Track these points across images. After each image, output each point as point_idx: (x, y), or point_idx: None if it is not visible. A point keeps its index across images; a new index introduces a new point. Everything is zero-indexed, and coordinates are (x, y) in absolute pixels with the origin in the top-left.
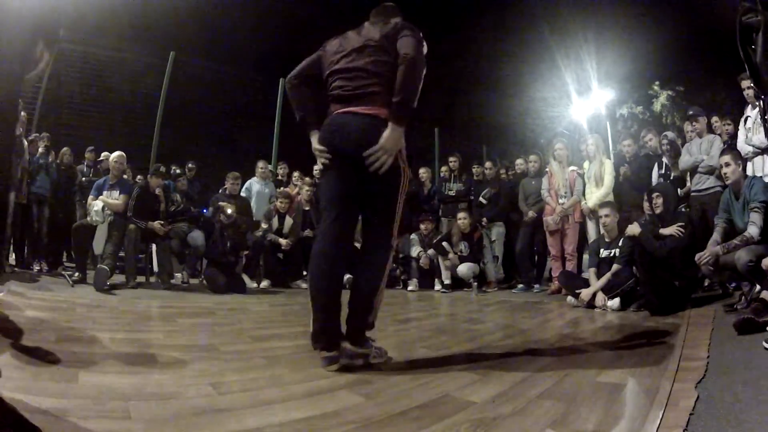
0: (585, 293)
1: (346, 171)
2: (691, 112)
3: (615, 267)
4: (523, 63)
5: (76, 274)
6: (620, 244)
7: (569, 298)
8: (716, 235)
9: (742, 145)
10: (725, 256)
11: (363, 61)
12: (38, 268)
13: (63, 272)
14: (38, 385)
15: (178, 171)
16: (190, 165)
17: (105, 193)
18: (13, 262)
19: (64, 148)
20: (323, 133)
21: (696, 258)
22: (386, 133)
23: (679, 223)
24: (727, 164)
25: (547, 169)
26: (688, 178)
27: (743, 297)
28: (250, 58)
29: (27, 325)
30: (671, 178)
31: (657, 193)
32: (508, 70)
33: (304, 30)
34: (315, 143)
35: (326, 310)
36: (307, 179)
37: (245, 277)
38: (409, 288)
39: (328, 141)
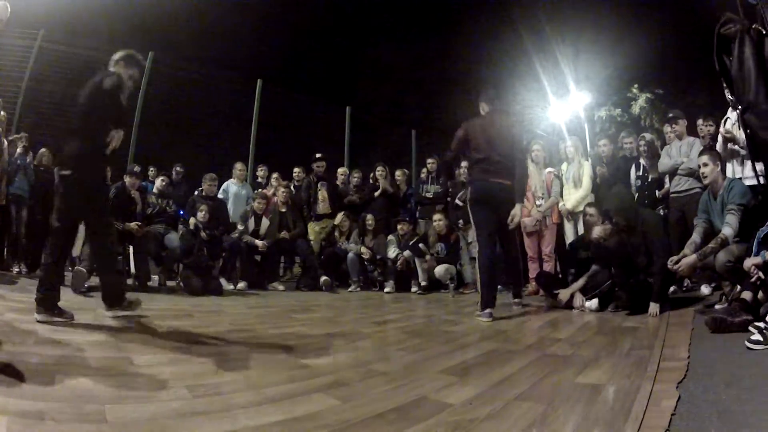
0: (563, 294)
1: (494, 210)
2: (671, 115)
3: (593, 268)
4: (501, 66)
5: None
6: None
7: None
8: (696, 236)
9: (721, 147)
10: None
11: (498, 148)
12: (17, 269)
13: None
14: (15, 389)
15: (176, 170)
16: (178, 168)
17: None
18: None
19: (42, 149)
20: (483, 189)
21: (669, 264)
22: (516, 209)
23: (606, 226)
24: (705, 164)
25: None
26: (667, 180)
27: (724, 297)
28: (229, 60)
29: (5, 327)
30: (649, 179)
31: (591, 211)
32: (486, 73)
33: (282, 33)
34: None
35: (490, 286)
36: (284, 182)
37: (222, 279)
38: (386, 290)
39: (487, 194)
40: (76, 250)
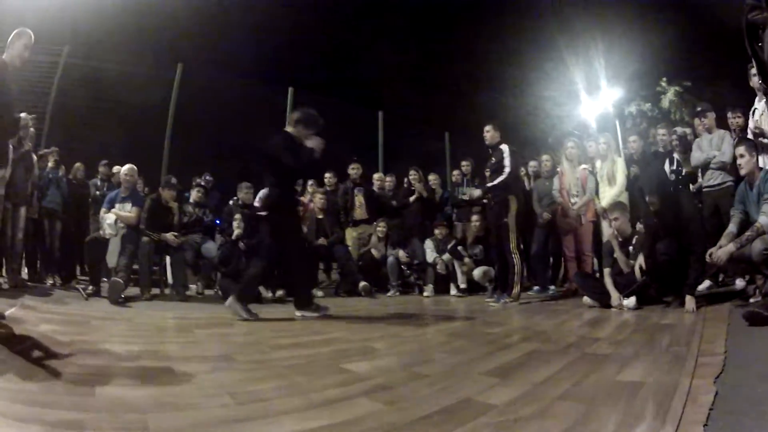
0: (614, 300)
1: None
2: (699, 108)
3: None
4: (531, 63)
5: (90, 287)
6: (633, 242)
7: (585, 298)
8: (732, 227)
9: (751, 136)
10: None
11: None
12: (51, 282)
13: (77, 286)
14: (54, 399)
15: (201, 183)
16: (207, 177)
17: (117, 206)
18: (26, 277)
19: (77, 164)
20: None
21: (707, 256)
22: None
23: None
24: (741, 155)
25: (558, 169)
26: (700, 174)
27: (757, 290)
28: (258, 68)
29: (41, 339)
30: (683, 173)
31: (615, 215)
32: (515, 71)
33: (312, 41)
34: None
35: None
36: (320, 188)
37: (260, 287)
38: (425, 293)
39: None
40: (111, 261)
